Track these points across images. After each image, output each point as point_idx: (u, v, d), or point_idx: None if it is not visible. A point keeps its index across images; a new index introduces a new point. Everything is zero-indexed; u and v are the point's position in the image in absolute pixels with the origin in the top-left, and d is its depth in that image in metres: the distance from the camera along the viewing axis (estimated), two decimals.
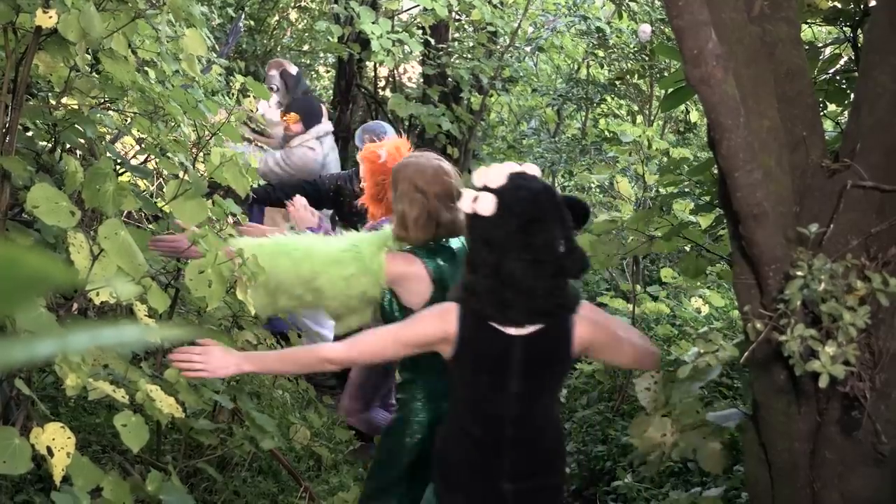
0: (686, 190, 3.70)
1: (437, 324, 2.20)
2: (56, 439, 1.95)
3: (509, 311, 2.12)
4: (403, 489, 2.78)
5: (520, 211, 2.07)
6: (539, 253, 2.06)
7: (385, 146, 3.20)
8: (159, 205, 2.58)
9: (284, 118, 5.06)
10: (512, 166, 2.16)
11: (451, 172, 2.68)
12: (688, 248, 3.65)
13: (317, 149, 5.00)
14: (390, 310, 2.66)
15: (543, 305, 2.11)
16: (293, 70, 5.42)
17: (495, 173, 2.13)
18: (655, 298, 5.84)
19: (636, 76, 6.58)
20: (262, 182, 4.44)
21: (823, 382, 1.54)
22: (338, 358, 2.28)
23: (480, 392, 2.23)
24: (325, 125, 5.13)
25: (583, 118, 7.98)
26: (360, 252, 2.58)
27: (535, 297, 2.09)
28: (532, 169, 2.17)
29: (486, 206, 2.08)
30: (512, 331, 2.15)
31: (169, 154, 2.73)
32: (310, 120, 5.09)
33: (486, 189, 2.10)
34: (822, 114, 2.39)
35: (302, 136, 5.01)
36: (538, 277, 2.07)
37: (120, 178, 2.46)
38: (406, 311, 2.58)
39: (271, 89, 5.37)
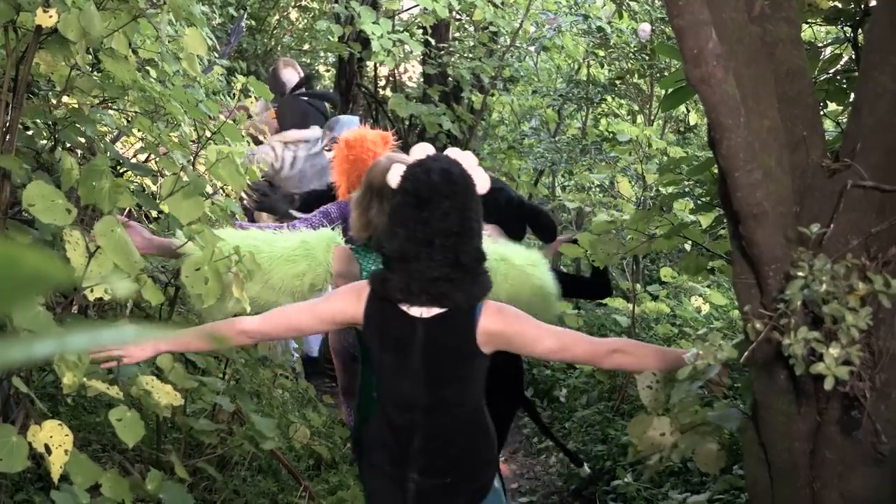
0: (686, 189, 3.70)
1: (351, 300, 2.21)
2: (54, 437, 1.95)
3: (387, 285, 2.13)
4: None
5: (411, 188, 2.10)
6: (434, 235, 2.07)
7: (350, 134, 3.25)
8: (160, 204, 2.58)
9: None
10: (452, 152, 2.19)
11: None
12: (688, 247, 3.65)
13: (276, 152, 4.87)
14: None
15: (429, 288, 2.10)
16: (285, 71, 5.28)
17: (419, 150, 2.18)
18: (655, 298, 5.84)
19: (636, 76, 6.58)
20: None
21: (829, 385, 1.54)
22: (253, 330, 2.27)
23: (388, 373, 2.23)
24: (304, 133, 4.92)
25: (583, 118, 7.98)
26: (311, 249, 2.62)
27: (420, 278, 2.09)
28: (461, 155, 2.17)
29: (393, 176, 2.14)
30: (414, 312, 2.15)
31: (169, 153, 2.73)
32: (285, 122, 4.98)
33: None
34: (822, 113, 2.39)
35: (274, 136, 4.94)
36: (429, 259, 2.08)
37: (122, 177, 2.46)
38: None
39: None
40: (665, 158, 5.46)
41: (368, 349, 2.28)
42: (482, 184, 2.15)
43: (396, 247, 2.10)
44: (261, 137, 4.93)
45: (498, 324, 2.17)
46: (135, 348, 2.19)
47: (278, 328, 2.31)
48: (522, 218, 3.40)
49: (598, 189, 6.91)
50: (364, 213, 2.61)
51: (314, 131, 4.99)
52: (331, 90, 8.32)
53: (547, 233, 3.62)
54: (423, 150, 2.18)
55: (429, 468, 2.24)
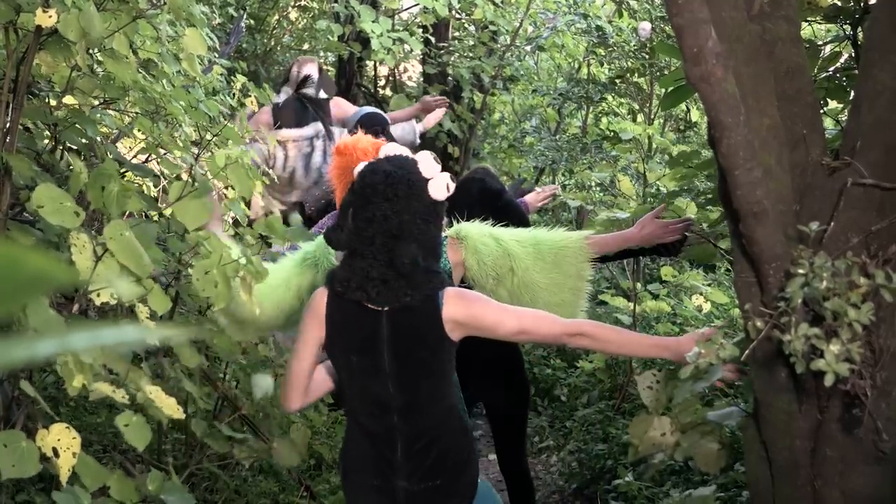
0: (687, 187, 3.69)
1: (313, 315, 2.22)
2: (62, 440, 1.96)
3: (332, 277, 2.17)
4: None
5: (358, 186, 2.16)
6: (375, 234, 2.10)
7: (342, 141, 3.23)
8: (160, 206, 2.58)
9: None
10: (420, 155, 2.22)
11: None
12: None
13: (268, 148, 4.90)
14: None
15: (365, 286, 2.13)
16: (306, 67, 5.28)
17: (387, 149, 2.24)
18: (656, 297, 5.84)
19: (636, 74, 6.58)
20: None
21: (829, 381, 1.54)
22: (299, 405, 2.30)
23: (357, 376, 2.21)
24: (295, 132, 4.92)
25: (583, 117, 7.98)
26: (316, 258, 2.65)
27: (360, 275, 2.12)
28: (423, 159, 2.20)
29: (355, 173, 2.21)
30: (375, 305, 2.16)
31: (172, 154, 2.73)
32: (278, 121, 4.99)
33: None
34: (822, 112, 2.39)
35: (268, 131, 4.95)
36: (372, 258, 2.11)
37: (124, 179, 2.46)
38: None
39: None
40: (668, 158, 5.47)
41: (334, 356, 2.26)
42: (437, 190, 2.16)
43: (343, 241, 2.15)
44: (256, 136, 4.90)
45: (460, 310, 2.17)
46: None
47: (316, 390, 2.33)
48: (497, 210, 3.38)
49: (598, 188, 6.91)
50: None
51: (307, 130, 4.97)
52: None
53: (519, 227, 3.62)
54: (385, 151, 2.23)
55: (416, 473, 2.20)
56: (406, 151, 2.24)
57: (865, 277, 1.57)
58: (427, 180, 2.16)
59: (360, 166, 2.20)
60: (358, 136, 3.14)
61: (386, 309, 2.15)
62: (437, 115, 5.79)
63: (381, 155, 2.21)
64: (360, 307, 2.16)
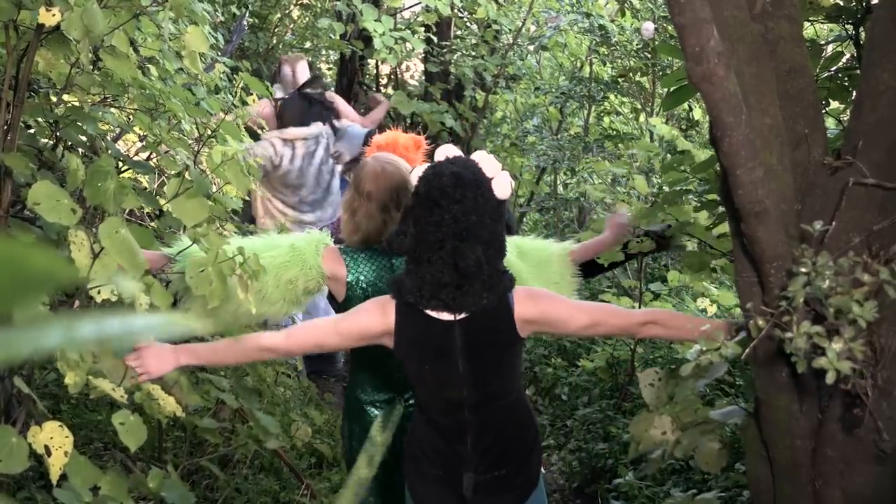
0: (689, 188, 3.69)
1: (376, 315, 2.20)
2: (54, 438, 1.95)
3: (402, 288, 2.14)
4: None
5: (423, 190, 2.11)
6: (445, 238, 2.07)
7: (382, 138, 3.15)
8: (161, 202, 2.58)
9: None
10: (477, 155, 2.18)
11: (392, 176, 2.59)
12: (689, 246, 3.64)
13: (276, 148, 4.88)
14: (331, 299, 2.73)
15: (439, 294, 2.11)
16: (298, 66, 5.30)
17: (441, 152, 2.19)
18: (658, 296, 5.84)
19: (639, 74, 6.57)
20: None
21: (831, 379, 1.54)
22: (277, 347, 2.25)
23: (431, 381, 2.21)
24: (303, 130, 4.96)
25: (585, 116, 7.97)
26: (301, 253, 2.55)
27: (431, 282, 2.10)
28: (484, 159, 2.16)
29: (413, 178, 2.16)
30: (446, 316, 2.14)
31: (170, 151, 2.73)
32: (283, 119, 5.00)
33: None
34: (824, 111, 2.39)
35: (273, 132, 4.96)
36: (441, 263, 2.08)
37: (122, 176, 2.46)
38: (337, 304, 2.64)
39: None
40: (669, 156, 5.46)
41: (405, 364, 2.25)
42: (502, 188, 2.13)
43: (408, 248, 2.11)
44: (259, 132, 4.93)
45: (532, 309, 2.17)
46: (153, 360, 2.14)
47: (303, 345, 2.30)
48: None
49: (600, 184, 6.90)
50: (352, 215, 2.59)
51: (313, 129, 5.00)
52: (332, 88, 8.31)
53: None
54: (443, 152, 2.17)
55: (483, 464, 2.23)
56: (457, 151, 2.20)
57: (870, 274, 1.57)
58: (491, 179, 2.13)
59: (419, 170, 2.14)
60: (395, 132, 3.09)
61: (458, 318, 2.14)
62: (383, 108, 6.00)
63: (440, 156, 2.15)
64: (429, 320, 2.15)
